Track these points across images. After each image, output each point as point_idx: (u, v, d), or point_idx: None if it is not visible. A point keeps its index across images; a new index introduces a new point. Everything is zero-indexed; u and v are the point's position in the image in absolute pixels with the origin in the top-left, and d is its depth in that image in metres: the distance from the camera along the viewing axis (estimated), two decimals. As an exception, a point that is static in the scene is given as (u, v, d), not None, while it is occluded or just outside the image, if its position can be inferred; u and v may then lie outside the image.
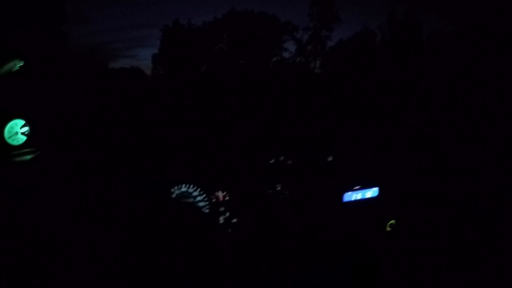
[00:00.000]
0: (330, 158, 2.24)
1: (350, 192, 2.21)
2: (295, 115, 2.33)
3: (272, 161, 2.16)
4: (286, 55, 5.95)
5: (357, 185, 2.23)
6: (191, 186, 2.05)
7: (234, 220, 2.06)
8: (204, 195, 2.06)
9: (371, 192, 2.28)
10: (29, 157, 1.58)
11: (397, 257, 2.26)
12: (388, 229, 2.27)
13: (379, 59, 4.79)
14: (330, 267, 2.10)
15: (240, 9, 5.77)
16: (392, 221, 2.27)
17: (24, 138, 1.60)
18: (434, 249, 2.30)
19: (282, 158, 2.17)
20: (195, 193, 2.05)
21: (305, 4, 6.13)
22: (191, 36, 5.48)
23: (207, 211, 2.06)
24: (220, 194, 2.08)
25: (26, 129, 1.62)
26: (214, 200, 2.07)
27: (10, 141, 1.58)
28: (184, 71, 5.22)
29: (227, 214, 2.06)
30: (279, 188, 2.13)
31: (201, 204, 2.07)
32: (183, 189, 2.04)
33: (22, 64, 1.60)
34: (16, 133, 1.60)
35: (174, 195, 2.00)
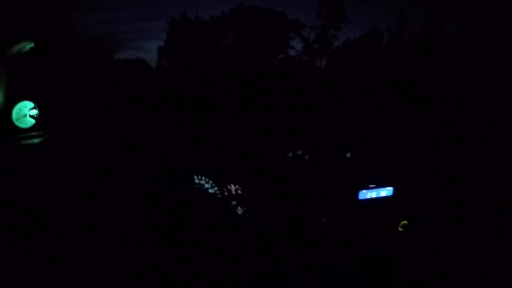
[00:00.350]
0: (348, 155, 2.19)
1: (365, 190, 2.17)
2: (312, 111, 2.27)
3: (290, 155, 2.11)
4: (292, 52, 5.88)
5: (373, 184, 2.19)
6: (203, 178, 1.98)
7: (247, 215, 2.00)
8: (216, 188, 2.00)
9: (386, 191, 2.24)
10: (36, 140, 1.51)
11: (410, 257, 2.23)
12: (401, 229, 2.24)
13: (388, 59, 4.73)
14: (343, 265, 2.06)
15: (247, 5, 5.71)
16: (405, 222, 2.23)
17: (32, 121, 1.54)
18: (448, 250, 2.26)
19: (299, 152, 2.11)
20: (207, 185, 1.99)
21: (313, 2, 6.05)
22: (198, 30, 5.40)
23: (218, 204, 2.00)
24: (233, 188, 2.02)
25: (35, 112, 1.55)
26: (226, 193, 2.00)
27: (17, 123, 1.51)
28: (189, 64, 5.15)
29: (239, 208, 2.00)
30: (294, 183, 2.07)
31: (213, 196, 2.00)
32: (195, 181, 1.97)
33: (32, 45, 1.54)
34: (25, 115, 1.53)
35: (187, 186, 1.94)
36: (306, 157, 2.13)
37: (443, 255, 2.27)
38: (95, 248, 1.50)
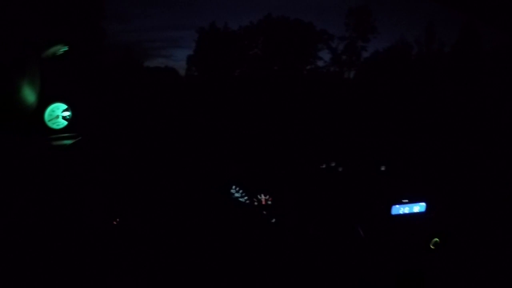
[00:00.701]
0: (383, 168, 2.13)
1: (398, 205, 2.10)
2: (345, 122, 2.23)
3: (323, 166, 2.06)
4: (320, 63, 5.84)
5: (406, 199, 2.12)
6: (234, 186, 1.95)
7: (275, 226, 1.96)
8: (246, 197, 1.96)
9: (419, 207, 2.17)
10: (68, 142, 1.51)
11: (442, 275, 2.15)
12: (432, 247, 2.16)
13: (418, 71, 4.64)
14: (373, 280, 2.00)
15: (276, 15, 5.72)
16: (437, 239, 2.16)
17: (65, 122, 1.55)
18: (481, 270, 2.18)
19: (333, 164, 2.06)
20: (237, 194, 1.95)
21: (342, 13, 6.02)
22: (227, 40, 5.44)
23: (247, 213, 1.96)
24: (263, 198, 1.98)
25: (68, 113, 1.55)
26: (256, 203, 1.96)
27: (50, 124, 1.53)
28: (218, 74, 5.18)
29: (269, 218, 1.96)
30: (326, 195, 2.02)
31: (243, 206, 1.97)
32: (231, 190, 1.95)
33: (66, 48, 1.56)
34: (57, 116, 1.55)
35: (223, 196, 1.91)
36: (340, 169, 2.08)
37: (476, 275, 2.19)
38: (125, 254, 1.48)
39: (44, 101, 1.48)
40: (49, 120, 1.52)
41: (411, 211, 2.15)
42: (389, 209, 2.07)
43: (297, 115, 2.55)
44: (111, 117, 1.87)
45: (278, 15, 5.70)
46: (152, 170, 1.74)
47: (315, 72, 5.91)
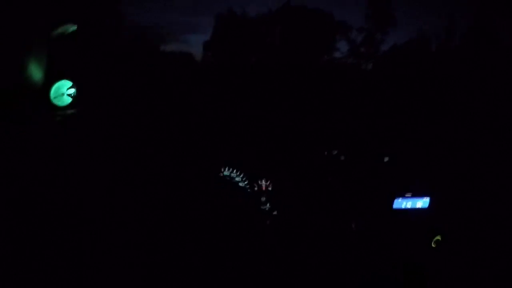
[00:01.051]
0: (386, 159, 2.10)
1: (400, 199, 2.08)
2: (351, 112, 2.21)
3: (325, 154, 2.06)
4: (337, 55, 5.77)
5: (409, 192, 2.10)
6: (235, 171, 1.97)
7: (274, 212, 1.97)
8: (246, 182, 1.99)
9: (422, 203, 2.14)
10: (71, 118, 1.56)
11: (444, 272, 2.13)
12: (434, 245, 2.13)
13: (436, 64, 4.56)
14: (373, 275, 1.99)
15: (295, 4, 5.66)
16: (438, 237, 2.13)
17: (69, 99, 1.58)
18: (485, 268, 2.15)
19: (335, 152, 2.06)
20: (238, 179, 1.98)
21: (361, 4, 5.93)
22: (244, 27, 5.42)
23: (246, 198, 1.99)
24: (264, 183, 1.99)
25: (72, 91, 1.59)
26: (256, 188, 1.98)
27: (55, 101, 1.56)
28: (234, 60, 5.17)
29: (268, 204, 1.97)
30: (327, 184, 2.02)
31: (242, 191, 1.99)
32: (226, 172, 1.97)
33: (75, 29, 1.58)
34: (62, 94, 1.58)
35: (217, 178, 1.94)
36: (342, 157, 2.07)
37: (478, 273, 2.16)
38: (118, 234, 1.52)
39: (50, 79, 1.52)
40: (54, 98, 1.56)
41: (414, 207, 2.12)
42: (391, 202, 2.06)
43: (305, 103, 2.54)
44: (117, 97, 1.90)
45: (297, 3, 5.65)
46: (153, 152, 1.77)
47: (331, 63, 5.85)
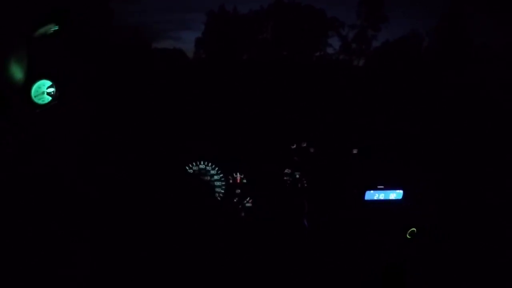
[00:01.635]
0: (355, 151, 2.14)
1: (372, 191, 2.14)
2: (323, 105, 2.25)
3: (294, 146, 2.09)
4: (329, 51, 5.81)
5: (381, 184, 2.15)
6: (209, 164, 2.04)
7: (248, 205, 2.04)
8: (221, 175, 2.06)
9: (395, 194, 2.19)
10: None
11: (419, 264, 2.18)
12: (409, 236, 2.19)
13: (423, 63, 4.61)
14: (342, 267, 2.04)
15: (287, 0, 5.70)
16: (413, 229, 2.18)
17: (49, 98, 1.67)
18: (460, 257, 2.20)
19: (304, 144, 2.09)
20: (213, 172, 2.05)
21: (354, 1, 5.96)
22: (236, 23, 5.46)
23: (222, 191, 2.06)
24: (238, 176, 2.06)
25: (52, 89, 1.68)
26: (231, 181, 2.05)
27: (36, 99, 1.65)
28: (225, 57, 5.22)
29: (242, 197, 2.04)
30: (297, 176, 2.08)
31: (217, 183, 2.07)
32: (201, 166, 2.04)
33: (56, 28, 1.65)
34: (43, 92, 1.67)
35: (191, 171, 2.01)
36: (311, 150, 2.10)
37: (453, 264, 2.21)
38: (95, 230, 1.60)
39: (31, 78, 1.61)
40: (35, 96, 1.65)
41: (387, 198, 2.17)
42: (362, 194, 2.11)
43: (287, 98, 2.58)
44: (106, 92, 1.96)
45: (289, 0, 5.69)
46: (132, 146, 1.84)
47: (324, 59, 5.89)
